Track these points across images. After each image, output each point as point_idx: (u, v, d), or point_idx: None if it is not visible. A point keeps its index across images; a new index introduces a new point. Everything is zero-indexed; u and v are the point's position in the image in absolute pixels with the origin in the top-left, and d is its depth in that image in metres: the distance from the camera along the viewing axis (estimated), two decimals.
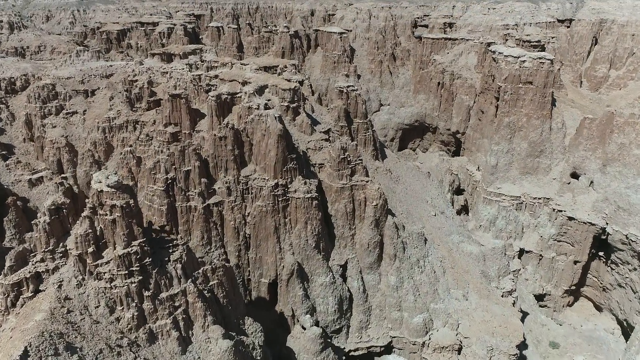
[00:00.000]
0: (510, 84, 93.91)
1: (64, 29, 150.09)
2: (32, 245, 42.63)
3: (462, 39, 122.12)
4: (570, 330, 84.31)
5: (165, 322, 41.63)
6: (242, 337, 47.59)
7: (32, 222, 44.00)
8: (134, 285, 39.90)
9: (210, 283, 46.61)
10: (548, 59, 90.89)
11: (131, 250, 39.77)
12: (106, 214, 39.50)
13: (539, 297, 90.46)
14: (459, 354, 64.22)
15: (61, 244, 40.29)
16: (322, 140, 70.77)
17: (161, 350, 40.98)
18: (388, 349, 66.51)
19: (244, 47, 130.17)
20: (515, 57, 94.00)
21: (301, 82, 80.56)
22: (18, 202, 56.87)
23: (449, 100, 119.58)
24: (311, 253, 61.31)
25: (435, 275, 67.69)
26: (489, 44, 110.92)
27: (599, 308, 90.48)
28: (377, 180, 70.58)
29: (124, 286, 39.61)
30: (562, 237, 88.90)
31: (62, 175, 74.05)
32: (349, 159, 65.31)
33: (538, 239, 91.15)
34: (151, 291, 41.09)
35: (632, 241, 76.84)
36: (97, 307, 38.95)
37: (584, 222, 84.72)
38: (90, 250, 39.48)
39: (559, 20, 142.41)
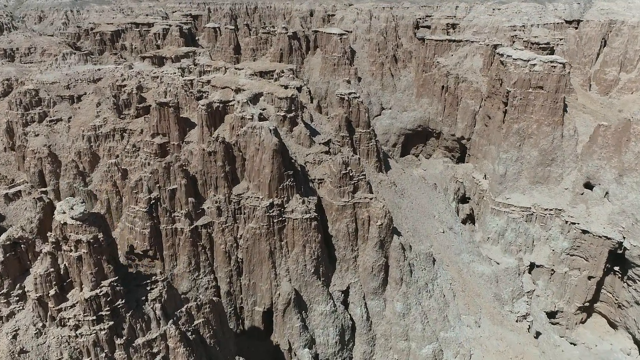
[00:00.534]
0: (519, 88, 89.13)
1: (57, 29, 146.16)
2: None
3: (466, 40, 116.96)
4: (585, 352, 79.94)
5: None
6: None
7: None
8: (103, 332, 34.25)
9: (196, 322, 40.99)
10: (560, 63, 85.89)
11: (100, 291, 34.11)
12: (71, 250, 33.89)
13: (551, 314, 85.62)
14: None
15: (18, 285, 34.71)
16: (321, 152, 65.21)
17: None
18: None
19: (241, 48, 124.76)
20: (525, 60, 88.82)
21: (299, 89, 74.99)
22: None
23: (453, 105, 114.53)
24: (310, 279, 55.71)
25: (444, 300, 62.26)
26: (495, 46, 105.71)
27: (613, 325, 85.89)
28: (381, 195, 65.09)
29: (91, 334, 33.95)
30: (576, 251, 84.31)
31: (42, 189, 69.03)
32: (351, 174, 59.75)
33: (550, 253, 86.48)
34: (125, 338, 35.42)
35: None
36: (60, 359, 33.32)
37: (599, 236, 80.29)
38: (52, 292, 33.81)
39: (566, 21, 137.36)
